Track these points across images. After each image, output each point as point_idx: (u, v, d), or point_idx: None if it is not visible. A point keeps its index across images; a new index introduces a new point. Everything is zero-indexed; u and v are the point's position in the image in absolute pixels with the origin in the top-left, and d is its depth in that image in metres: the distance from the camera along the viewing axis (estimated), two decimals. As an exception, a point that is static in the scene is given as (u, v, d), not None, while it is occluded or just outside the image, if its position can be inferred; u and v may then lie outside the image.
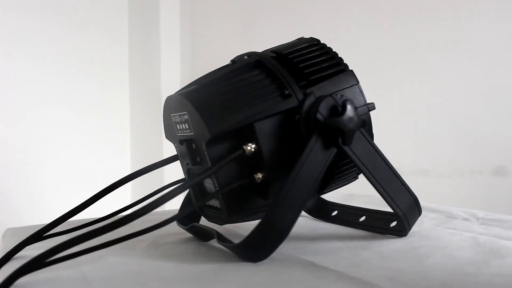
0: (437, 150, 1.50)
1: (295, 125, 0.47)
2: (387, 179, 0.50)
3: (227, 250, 0.49)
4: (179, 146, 0.54)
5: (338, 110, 0.47)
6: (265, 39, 1.64)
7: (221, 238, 0.49)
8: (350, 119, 0.47)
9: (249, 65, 0.50)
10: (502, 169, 1.43)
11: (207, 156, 0.47)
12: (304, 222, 0.65)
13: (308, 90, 0.48)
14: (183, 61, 1.83)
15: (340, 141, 0.47)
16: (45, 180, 1.52)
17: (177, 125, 0.51)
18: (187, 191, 0.60)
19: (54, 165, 1.54)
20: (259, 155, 0.47)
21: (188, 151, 0.50)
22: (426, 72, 1.52)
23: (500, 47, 1.45)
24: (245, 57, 0.53)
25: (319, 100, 0.47)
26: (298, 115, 0.47)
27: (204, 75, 0.53)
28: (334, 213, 0.63)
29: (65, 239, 0.41)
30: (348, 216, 0.61)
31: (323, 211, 0.65)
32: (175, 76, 1.81)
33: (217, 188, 0.48)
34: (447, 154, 1.49)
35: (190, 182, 0.48)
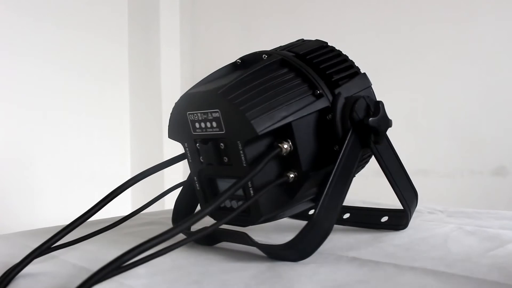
0: (437, 150, 1.50)
1: (327, 124, 0.48)
2: (398, 176, 0.53)
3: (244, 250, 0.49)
4: (191, 146, 0.52)
5: (370, 110, 0.49)
6: (264, 39, 1.64)
7: (251, 239, 0.48)
8: (384, 119, 0.49)
9: (275, 64, 0.50)
10: (502, 169, 1.43)
11: (242, 155, 0.47)
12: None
13: (336, 91, 0.49)
14: (183, 61, 1.83)
15: (372, 140, 0.49)
16: (45, 180, 1.52)
17: (197, 123, 0.50)
18: (179, 189, 0.60)
19: (53, 165, 1.54)
20: (294, 154, 0.47)
21: (214, 150, 0.49)
22: (426, 72, 1.52)
23: (500, 47, 1.45)
24: (264, 56, 0.52)
25: (351, 100, 0.48)
26: (330, 115, 0.48)
27: (217, 73, 0.53)
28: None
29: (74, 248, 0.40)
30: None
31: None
32: (175, 76, 1.81)
33: (252, 189, 0.47)
34: (447, 154, 1.49)
35: (238, 184, 0.43)
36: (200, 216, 0.39)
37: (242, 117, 0.45)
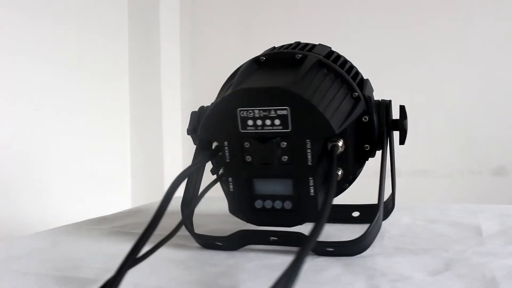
0: (437, 150, 1.50)
1: (362, 125, 0.50)
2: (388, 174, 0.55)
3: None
4: (234, 144, 0.49)
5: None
6: (264, 38, 1.64)
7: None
8: (407, 121, 0.53)
9: (316, 64, 0.50)
10: (502, 169, 1.43)
11: (309, 154, 0.47)
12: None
13: (366, 94, 0.51)
14: (183, 61, 1.83)
15: (399, 140, 0.52)
16: (45, 179, 1.52)
17: (250, 121, 0.47)
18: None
19: (53, 165, 1.54)
20: (344, 153, 0.48)
21: (275, 149, 0.47)
22: (426, 72, 1.52)
23: (500, 47, 1.45)
24: (298, 55, 0.51)
25: (383, 103, 0.52)
26: (366, 117, 0.50)
27: (246, 70, 0.51)
28: None
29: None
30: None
31: None
32: (175, 76, 1.81)
33: (313, 188, 0.48)
34: (447, 154, 1.49)
35: (331, 186, 0.42)
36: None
37: (318, 116, 0.45)
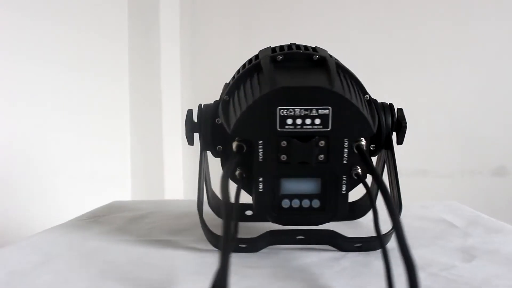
0: (437, 150, 1.50)
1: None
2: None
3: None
4: (269, 143, 0.49)
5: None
6: (265, 37, 1.64)
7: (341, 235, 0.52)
8: (406, 123, 0.55)
9: (336, 66, 0.52)
10: (502, 169, 1.43)
11: (346, 153, 0.48)
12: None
13: (367, 97, 0.53)
14: (183, 61, 1.83)
15: (397, 141, 0.55)
16: (45, 179, 1.52)
17: (290, 119, 0.48)
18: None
19: (53, 164, 1.54)
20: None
21: (314, 148, 0.48)
22: (426, 72, 1.52)
23: (500, 48, 1.45)
24: (315, 56, 0.53)
25: (386, 105, 0.55)
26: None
27: (269, 68, 0.51)
28: None
29: None
30: None
31: None
32: (175, 76, 1.81)
33: (345, 185, 0.50)
34: (447, 154, 1.49)
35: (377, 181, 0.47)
36: None
37: (359, 116, 0.47)
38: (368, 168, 0.49)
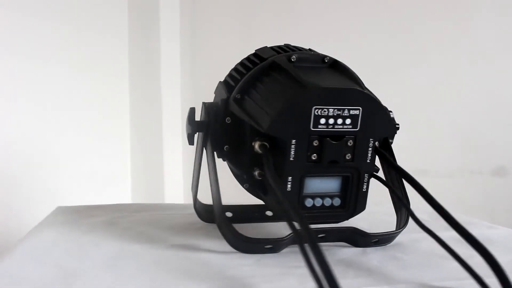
0: (437, 150, 1.50)
1: None
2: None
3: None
4: (301, 142, 0.49)
5: None
6: (265, 36, 1.64)
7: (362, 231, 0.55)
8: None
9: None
10: (502, 169, 1.43)
11: (370, 152, 0.51)
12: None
13: None
14: (183, 61, 1.83)
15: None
16: (45, 179, 1.52)
17: (323, 119, 0.49)
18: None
19: (53, 164, 1.54)
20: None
21: (344, 147, 0.50)
22: (426, 72, 1.52)
23: (500, 47, 1.45)
24: (326, 58, 0.55)
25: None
26: None
27: (289, 66, 0.52)
28: None
29: None
30: None
31: None
32: (175, 76, 1.81)
33: (366, 183, 0.52)
34: (447, 154, 1.49)
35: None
36: None
37: (385, 116, 0.51)
38: (393, 165, 0.53)
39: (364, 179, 0.51)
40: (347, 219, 0.53)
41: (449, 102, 1.50)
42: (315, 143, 0.49)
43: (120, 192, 1.72)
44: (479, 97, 1.46)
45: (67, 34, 1.60)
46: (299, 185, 0.50)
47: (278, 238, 0.51)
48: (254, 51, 0.57)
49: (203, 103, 0.56)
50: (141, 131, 1.79)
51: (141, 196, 1.67)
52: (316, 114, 0.48)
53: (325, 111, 0.48)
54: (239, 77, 0.55)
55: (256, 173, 0.50)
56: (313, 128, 0.48)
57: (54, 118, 1.56)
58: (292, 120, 0.48)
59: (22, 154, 1.46)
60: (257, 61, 0.55)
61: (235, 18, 1.81)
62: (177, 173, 1.73)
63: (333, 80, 0.52)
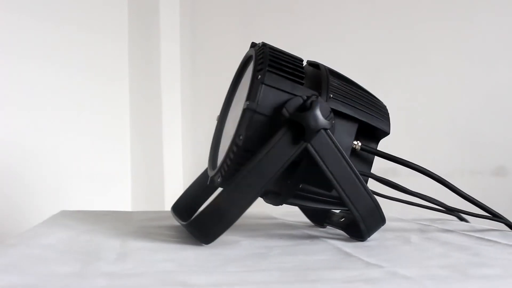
0: (437, 150, 1.50)
1: None
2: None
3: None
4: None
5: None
6: (265, 36, 1.64)
7: None
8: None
9: None
10: (502, 169, 1.43)
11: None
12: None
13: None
14: (183, 61, 1.83)
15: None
16: (45, 180, 1.52)
17: None
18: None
19: (53, 165, 1.54)
20: None
21: None
22: (426, 71, 1.52)
23: (500, 47, 1.45)
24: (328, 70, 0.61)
25: None
26: None
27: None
28: None
29: None
30: None
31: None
32: (175, 76, 1.81)
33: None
34: (447, 154, 1.49)
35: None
36: None
37: None
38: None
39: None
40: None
41: (449, 102, 1.50)
42: None
43: (120, 192, 1.72)
44: (479, 97, 1.46)
45: (67, 34, 1.60)
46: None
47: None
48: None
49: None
50: (141, 131, 1.79)
51: (141, 196, 1.67)
52: None
53: None
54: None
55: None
56: None
57: (54, 118, 1.56)
58: None
59: (21, 154, 1.46)
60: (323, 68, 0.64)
61: (235, 18, 1.80)
62: (177, 173, 1.73)
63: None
